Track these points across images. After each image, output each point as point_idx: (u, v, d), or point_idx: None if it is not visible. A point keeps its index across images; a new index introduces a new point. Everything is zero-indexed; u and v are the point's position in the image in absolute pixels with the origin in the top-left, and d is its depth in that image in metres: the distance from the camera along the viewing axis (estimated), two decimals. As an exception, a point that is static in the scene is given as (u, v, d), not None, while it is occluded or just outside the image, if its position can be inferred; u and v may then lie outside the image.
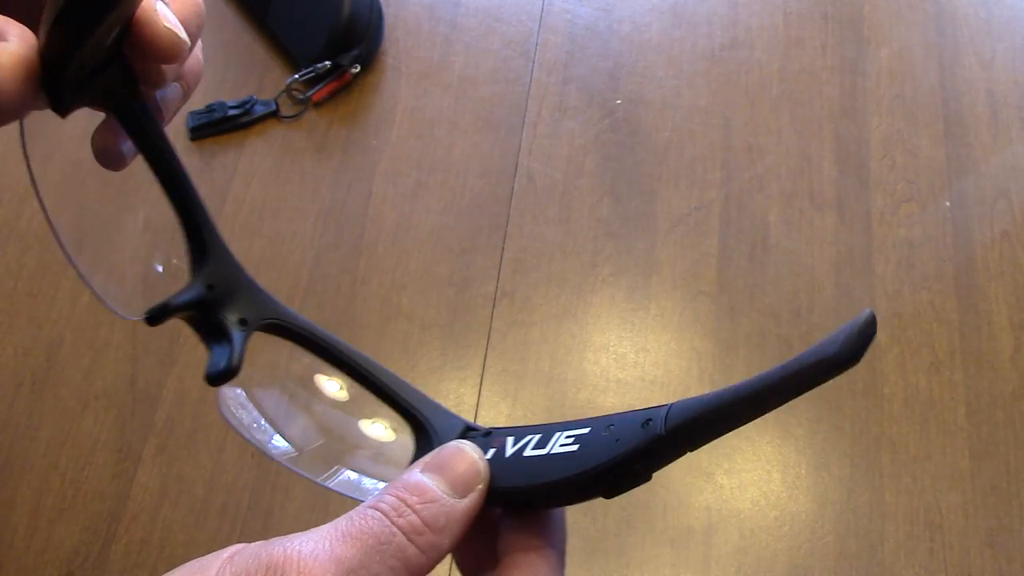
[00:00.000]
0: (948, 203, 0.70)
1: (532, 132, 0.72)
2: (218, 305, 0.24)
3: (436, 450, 0.24)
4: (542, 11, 0.77)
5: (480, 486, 0.23)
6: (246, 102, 0.71)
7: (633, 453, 0.21)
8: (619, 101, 0.73)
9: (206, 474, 0.59)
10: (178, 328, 0.64)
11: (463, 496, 0.22)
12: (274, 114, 0.71)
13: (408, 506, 0.21)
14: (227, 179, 0.69)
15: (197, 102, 0.71)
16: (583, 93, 0.74)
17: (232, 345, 0.24)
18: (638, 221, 0.68)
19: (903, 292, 0.66)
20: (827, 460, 0.61)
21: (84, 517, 0.57)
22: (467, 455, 0.23)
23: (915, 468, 0.60)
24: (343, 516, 0.22)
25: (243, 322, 0.25)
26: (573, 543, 0.58)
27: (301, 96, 0.71)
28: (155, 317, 0.23)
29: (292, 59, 0.73)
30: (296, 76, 0.71)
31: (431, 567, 0.22)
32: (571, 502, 0.23)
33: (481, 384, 0.62)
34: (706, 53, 0.76)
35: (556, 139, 0.71)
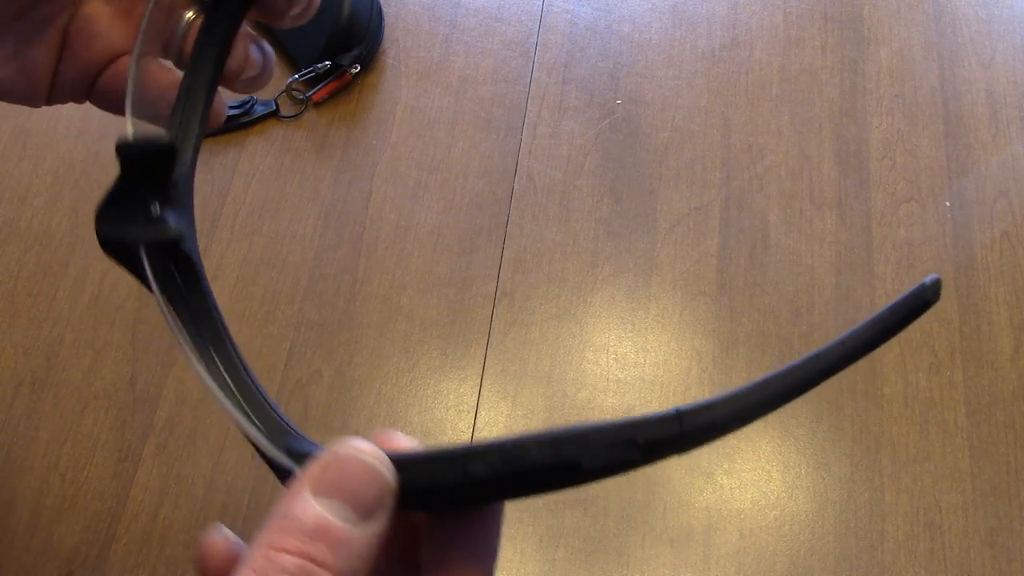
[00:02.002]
0: (948, 203, 0.70)
1: (532, 132, 0.72)
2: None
3: (326, 457, 0.18)
4: (542, 11, 0.77)
5: (389, 499, 0.18)
6: (246, 102, 0.71)
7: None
8: (619, 101, 0.73)
9: (206, 474, 0.59)
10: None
11: (370, 519, 0.18)
12: (274, 114, 0.71)
13: (316, 564, 0.17)
14: (227, 179, 0.69)
15: (197, 102, 0.71)
16: (583, 93, 0.74)
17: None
18: (638, 221, 0.68)
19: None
20: (827, 460, 0.61)
21: (84, 517, 0.57)
22: (368, 464, 0.18)
23: (915, 468, 0.60)
24: None
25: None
26: (573, 543, 0.58)
27: (301, 96, 0.71)
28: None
29: (292, 59, 0.73)
30: (296, 76, 0.71)
31: None
32: (519, 496, 0.20)
33: (481, 384, 0.62)
34: (706, 53, 0.76)
35: (556, 139, 0.71)
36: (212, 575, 0.19)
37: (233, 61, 0.27)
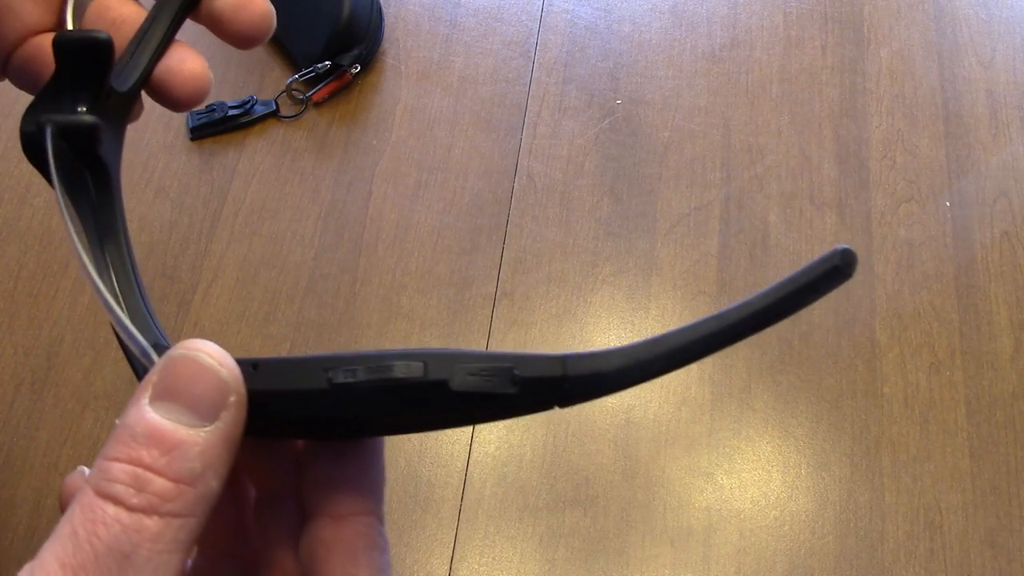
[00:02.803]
0: (948, 203, 0.70)
1: (532, 132, 0.72)
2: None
3: (160, 363, 0.18)
4: (542, 11, 0.77)
5: (232, 398, 0.18)
6: (246, 102, 0.71)
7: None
8: (619, 101, 0.73)
9: (206, 474, 0.59)
10: (179, 329, 0.64)
11: (213, 419, 0.17)
12: (274, 114, 0.71)
13: (147, 469, 0.16)
14: (227, 179, 0.69)
15: (197, 102, 0.71)
16: (583, 93, 0.74)
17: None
18: (638, 221, 0.68)
19: (903, 292, 0.66)
20: (827, 460, 0.61)
21: (84, 517, 0.57)
22: (202, 363, 0.17)
23: (915, 468, 0.60)
24: (64, 527, 0.16)
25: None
26: (573, 543, 0.58)
27: (301, 96, 0.71)
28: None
29: (292, 59, 0.73)
30: (296, 76, 0.71)
31: (205, 523, 0.17)
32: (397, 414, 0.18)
33: (481, 384, 0.62)
34: (706, 53, 0.76)
35: (556, 139, 0.71)
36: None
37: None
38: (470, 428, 0.61)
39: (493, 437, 0.61)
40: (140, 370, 0.20)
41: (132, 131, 0.68)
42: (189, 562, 0.22)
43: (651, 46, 0.76)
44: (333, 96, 0.72)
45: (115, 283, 0.22)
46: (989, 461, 0.61)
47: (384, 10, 0.75)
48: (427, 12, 0.77)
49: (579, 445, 0.60)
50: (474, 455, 0.60)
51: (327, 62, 0.70)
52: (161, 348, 0.19)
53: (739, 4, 0.78)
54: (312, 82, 0.71)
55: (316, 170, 0.70)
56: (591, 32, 0.76)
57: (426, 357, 0.18)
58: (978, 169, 0.72)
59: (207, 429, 0.17)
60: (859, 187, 0.70)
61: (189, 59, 0.25)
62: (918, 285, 0.67)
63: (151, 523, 0.16)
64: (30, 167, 0.23)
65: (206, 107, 0.70)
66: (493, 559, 0.57)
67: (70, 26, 0.24)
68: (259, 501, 0.22)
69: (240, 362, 0.18)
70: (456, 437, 0.60)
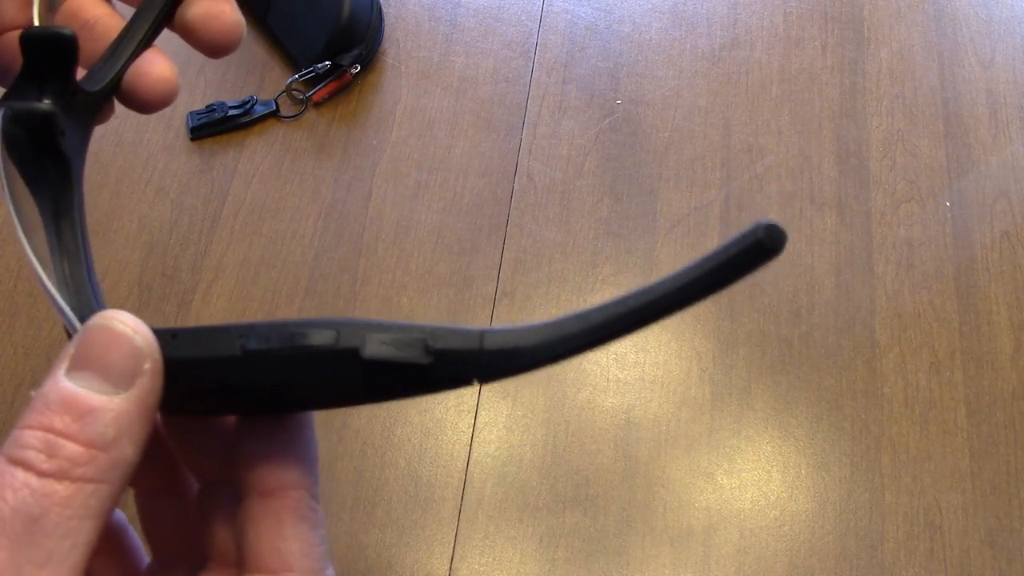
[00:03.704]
0: (948, 203, 0.70)
1: (532, 132, 0.72)
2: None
3: (76, 336, 0.18)
4: (542, 11, 0.77)
5: (147, 364, 0.18)
6: (246, 102, 0.71)
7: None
8: (619, 101, 0.73)
9: (206, 474, 0.59)
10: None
11: (128, 385, 0.17)
12: (274, 114, 0.71)
13: (58, 435, 0.16)
14: (227, 179, 0.69)
15: (197, 102, 0.71)
16: (583, 93, 0.74)
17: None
18: (638, 221, 0.68)
19: (903, 292, 0.66)
20: (827, 460, 0.61)
21: (84, 517, 0.57)
22: (116, 331, 0.18)
23: (915, 468, 0.60)
24: None
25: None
26: (573, 543, 0.58)
27: (301, 96, 0.71)
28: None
29: (292, 59, 0.73)
30: (296, 76, 0.71)
31: (119, 492, 0.18)
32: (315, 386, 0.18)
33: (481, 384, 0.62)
34: (706, 53, 0.76)
35: (556, 139, 0.71)
36: None
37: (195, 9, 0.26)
38: (469, 428, 0.61)
39: (493, 437, 0.61)
40: None
41: (132, 131, 0.68)
42: (146, 563, 0.22)
43: (651, 46, 0.76)
44: (333, 96, 0.72)
45: (65, 265, 0.22)
46: (989, 461, 0.61)
47: (384, 10, 0.75)
48: (427, 12, 0.77)
49: (579, 445, 0.60)
50: (474, 455, 0.60)
51: (327, 62, 0.70)
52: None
53: (739, 4, 0.78)
54: (312, 82, 0.71)
55: (316, 170, 0.70)
56: (591, 32, 0.76)
57: (339, 325, 0.18)
58: (978, 169, 0.72)
59: (121, 395, 0.17)
60: (859, 187, 0.70)
61: (158, 63, 0.25)
62: (918, 285, 0.67)
63: (61, 488, 0.16)
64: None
65: (206, 107, 0.70)
66: (493, 559, 0.57)
67: (37, 23, 0.25)
68: (200, 493, 0.22)
69: (160, 332, 0.18)
70: (456, 437, 0.61)
